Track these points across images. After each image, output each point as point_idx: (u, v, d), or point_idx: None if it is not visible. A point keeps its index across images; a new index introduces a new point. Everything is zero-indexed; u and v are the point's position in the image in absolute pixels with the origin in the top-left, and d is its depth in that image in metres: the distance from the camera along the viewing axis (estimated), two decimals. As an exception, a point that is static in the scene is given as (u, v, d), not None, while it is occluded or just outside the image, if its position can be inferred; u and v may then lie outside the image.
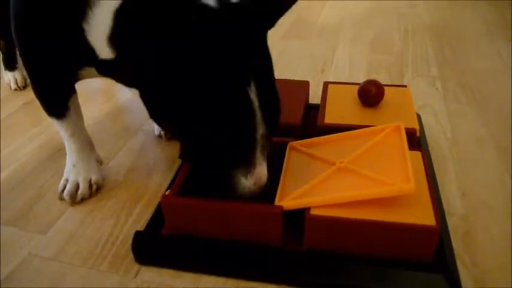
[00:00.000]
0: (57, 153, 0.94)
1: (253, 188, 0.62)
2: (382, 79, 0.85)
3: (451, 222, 0.73)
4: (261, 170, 0.62)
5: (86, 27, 0.62)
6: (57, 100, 0.78)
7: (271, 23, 0.63)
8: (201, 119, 0.58)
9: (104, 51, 0.63)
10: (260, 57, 0.62)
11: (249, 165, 0.61)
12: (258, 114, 0.58)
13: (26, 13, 0.67)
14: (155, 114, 0.64)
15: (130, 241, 0.69)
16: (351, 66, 1.32)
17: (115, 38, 0.60)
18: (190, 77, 0.56)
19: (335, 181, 0.64)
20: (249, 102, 0.57)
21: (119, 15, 0.59)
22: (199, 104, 0.57)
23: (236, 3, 0.60)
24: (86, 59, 0.66)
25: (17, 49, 0.74)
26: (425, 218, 0.59)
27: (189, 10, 0.56)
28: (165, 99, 0.59)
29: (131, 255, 0.68)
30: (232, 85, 0.57)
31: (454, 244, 0.68)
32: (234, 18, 0.58)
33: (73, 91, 0.78)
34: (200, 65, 0.56)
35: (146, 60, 0.58)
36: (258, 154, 0.61)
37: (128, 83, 0.68)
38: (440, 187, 0.79)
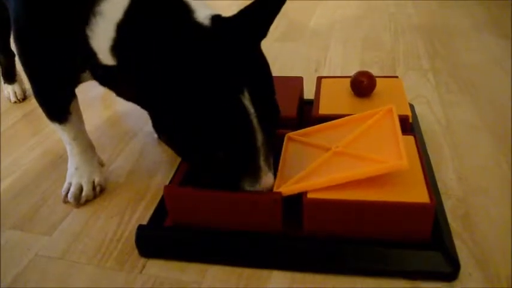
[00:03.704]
0: (59, 159, 0.96)
1: None
2: (375, 74, 0.87)
3: (450, 204, 0.74)
4: (267, 180, 0.63)
5: (89, 33, 0.63)
6: (59, 105, 0.79)
7: (262, 32, 0.63)
8: (199, 134, 0.59)
9: (107, 59, 0.63)
10: (255, 65, 0.62)
11: (255, 176, 0.62)
12: (255, 121, 0.58)
13: (28, 16, 0.68)
14: (158, 130, 0.66)
15: (134, 238, 0.70)
16: (343, 64, 1.34)
17: (117, 49, 0.62)
18: (185, 93, 0.57)
19: (331, 165, 0.65)
20: (244, 109, 0.57)
21: (121, 28, 0.60)
22: (196, 119, 0.58)
23: (227, 21, 0.61)
24: (89, 62, 0.67)
25: (17, 57, 0.75)
26: (420, 196, 0.60)
27: (184, 31, 0.58)
28: (165, 116, 0.61)
29: (136, 252, 0.69)
30: (224, 94, 0.57)
31: (454, 224, 0.70)
32: (225, 34, 0.60)
33: (74, 95, 0.80)
34: (193, 81, 0.57)
35: (145, 76, 0.60)
36: (262, 163, 0.62)
37: (127, 97, 0.70)
38: (436, 172, 0.81)
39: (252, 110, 0.58)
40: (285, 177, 0.67)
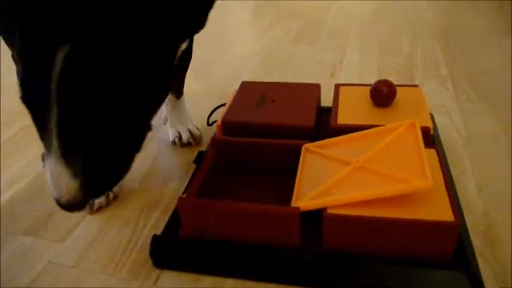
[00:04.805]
0: (73, 163, 0.95)
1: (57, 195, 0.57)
2: (393, 81, 0.85)
3: (470, 219, 0.72)
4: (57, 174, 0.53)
5: None
6: None
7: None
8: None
9: None
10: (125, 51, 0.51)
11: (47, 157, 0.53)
12: (55, 79, 0.48)
13: None
14: None
15: (148, 248, 0.69)
16: (360, 69, 1.32)
17: None
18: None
19: (351, 180, 0.64)
20: (49, 60, 0.48)
21: None
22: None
23: None
24: None
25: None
26: (444, 214, 0.59)
27: None
28: None
29: (150, 262, 0.68)
30: (44, 37, 0.49)
31: (474, 240, 0.68)
32: None
33: None
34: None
35: None
36: (55, 152, 0.52)
37: None
38: (457, 184, 0.79)
39: (58, 68, 0.48)
40: (303, 191, 0.65)
